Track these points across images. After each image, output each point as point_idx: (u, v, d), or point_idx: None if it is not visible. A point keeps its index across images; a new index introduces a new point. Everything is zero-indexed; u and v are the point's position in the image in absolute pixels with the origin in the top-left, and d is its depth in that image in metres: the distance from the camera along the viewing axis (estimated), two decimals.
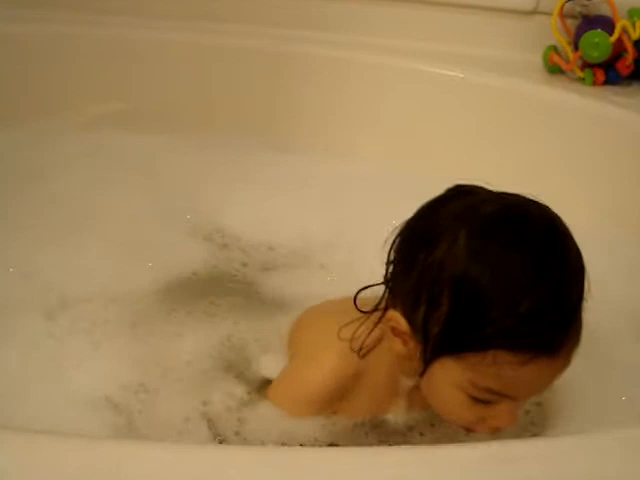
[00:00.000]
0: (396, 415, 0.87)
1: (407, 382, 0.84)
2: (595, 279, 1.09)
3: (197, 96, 1.53)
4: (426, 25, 1.52)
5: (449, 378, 0.75)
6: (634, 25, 1.37)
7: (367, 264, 1.15)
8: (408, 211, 1.23)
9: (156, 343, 1.00)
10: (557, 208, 1.28)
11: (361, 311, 0.83)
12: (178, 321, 1.05)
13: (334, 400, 0.85)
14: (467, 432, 0.81)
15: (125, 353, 0.98)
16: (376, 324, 0.82)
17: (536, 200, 0.76)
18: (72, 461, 0.60)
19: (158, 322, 1.05)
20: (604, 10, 1.41)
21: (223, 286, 1.15)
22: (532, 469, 0.61)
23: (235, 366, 0.97)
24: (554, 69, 1.45)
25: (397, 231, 0.80)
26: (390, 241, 0.80)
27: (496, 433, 0.79)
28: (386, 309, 0.81)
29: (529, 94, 1.42)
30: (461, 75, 1.44)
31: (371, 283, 0.84)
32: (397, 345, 0.79)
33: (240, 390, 0.92)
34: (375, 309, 0.82)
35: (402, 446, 0.82)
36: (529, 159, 1.39)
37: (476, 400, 0.75)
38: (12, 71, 1.50)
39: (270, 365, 0.95)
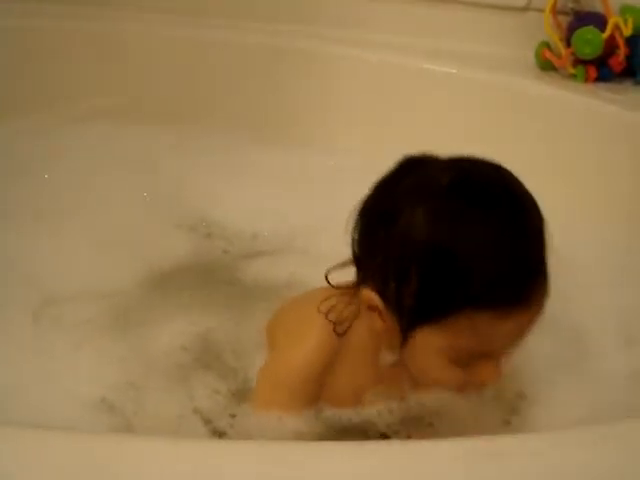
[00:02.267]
0: (376, 395, 0.87)
1: (388, 357, 0.84)
2: (585, 279, 1.10)
3: (190, 90, 1.53)
4: (419, 21, 1.52)
5: (429, 346, 0.76)
6: (626, 22, 1.37)
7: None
8: None
9: (139, 339, 1.00)
10: (548, 204, 1.29)
11: (332, 285, 0.85)
12: (159, 315, 1.05)
13: (319, 377, 0.85)
14: (456, 392, 0.82)
15: (111, 350, 0.97)
16: (351, 300, 0.83)
17: (490, 162, 0.77)
18: (67, 455, 0.60)
19: (141, 316, 1.04)
20: (596, 7, 1.41)
21: (205, 276, 1.15)
22: (521, 464, 0.62)
23: (218, 358, 0.97)
24: (546, 65, 1.45)
25: (355, 212, 0.81)
26: (351, 222, 0.81)
27: (483, 389, 0.81)
28: (359, 285, 0.82)
29: (521, 90, 1.42)
30: (453, 71, 1.44)
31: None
32: (375, 322, 0.80)
33: (225, 386, 0.92)
34: (349, 287, 0.84)
35: (390, 441, 0.82)
36: (520, 155, 1.37)
37: (458, 363, 0.76)
38: (7, 64, 1.50)
39: (251, 357, 0.95)
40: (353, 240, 0.81)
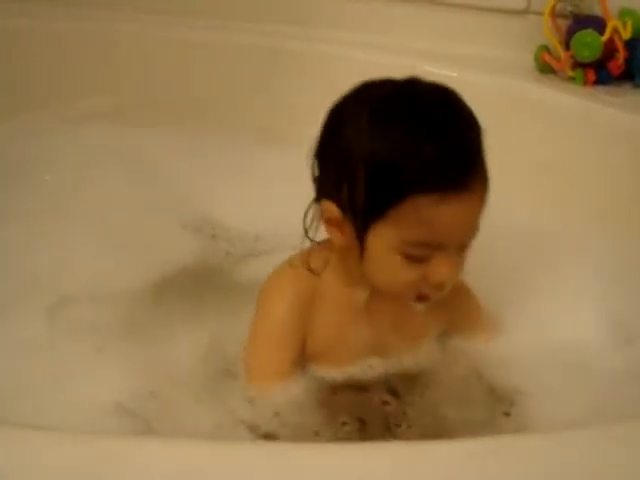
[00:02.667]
0: (358, 332, 0.92)
1: (362, 293, 0.91)
2: (585, 280, 1.10)
3: (188, 90, 1.54)
4: (418, 24, 1.52)
5: (383, 244, 0.82)
6: (625, 25, 1.38)
7: None
8: None
9: (152, 345, 0.99)
10: (546, 208, 1.30)
11: (307, 236, 0.90)
12: (170, 319, 1.05)
13: (299, 321, 0.91)
14: (419, 302, 0.87)
15: (126, 357, 0.96)
16: (319, 245, 0.91)
17: (426, 80, 0.84)
18: (70, 457, 0.60)
19: (152, 321, 1.04)
20: (595, 10, 1.42)
21: (210, 278, 1.15)
22: (524, 464, 0.62)
23: (232, 361, 0.96)
24: (545, 68, 1.46)
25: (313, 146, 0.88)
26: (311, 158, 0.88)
27: (442, 291, 0.85)
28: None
29: (520, 93, 1.42)
30: (453, 74, 1.44)
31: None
32: (336, 237, 0.87)
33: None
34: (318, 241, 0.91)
35: (390, 442, 0.82)
36: (519, 158, 1.39)
37: (412, 259, 0.82)
38: (3, 65, 1.50)
39: None
40: (313, 170, 0.88)
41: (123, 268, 1.14)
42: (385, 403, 0.91)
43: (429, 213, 0.78)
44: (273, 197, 1.23)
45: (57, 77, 1.53)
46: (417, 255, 0.81)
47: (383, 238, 0.81)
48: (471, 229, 0.83)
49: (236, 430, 0.86)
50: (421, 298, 0.86)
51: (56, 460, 0.60)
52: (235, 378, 0.93)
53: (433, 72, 1.44)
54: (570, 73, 1.42)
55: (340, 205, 0.84)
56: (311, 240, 0.90)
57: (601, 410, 0.88)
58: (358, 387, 0.93)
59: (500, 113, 1.41)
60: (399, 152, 0.78)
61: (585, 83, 1.41)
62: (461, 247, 0.84)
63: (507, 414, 0.91)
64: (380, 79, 0.85)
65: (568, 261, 1.13)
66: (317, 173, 0.88)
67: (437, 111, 0.80)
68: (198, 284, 1.13)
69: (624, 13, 1.39)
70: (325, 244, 0.91)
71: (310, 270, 0.90)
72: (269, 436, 0.85)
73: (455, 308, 0.97)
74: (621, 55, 1.39)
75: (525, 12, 1.48)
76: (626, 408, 0.87)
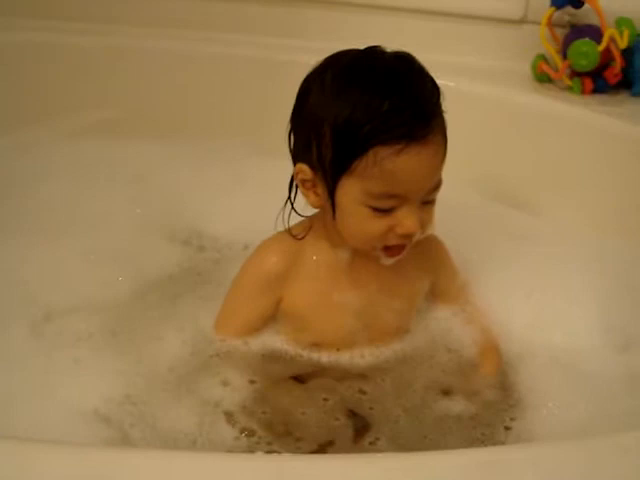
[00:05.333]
0: (342, 293, 0.96)
1: (343, 254, 0.96)
2: (576, 291, 1.10)
3: (182, 103, 1.54)
4: (415, 34, 1.52)
5: (351, 198, 0.87)
6: (622, 34, 1.38)
7: None
8: None
9: (135, 350, 0.99)
10: (543, 215, 1.30)
11: (293, 207, 0.95)
12: (155, 327, 1.05)
13: (277, 277, 0.96)
14: (387, 255, 0.91)
15: (106, 364, 0.96)
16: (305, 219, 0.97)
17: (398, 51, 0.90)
18: (64, 469, 0.60)
19: (137, 330, 1.04)
20: (592, 19, 1.42)
21: (196, 285, 1.16)
22: (524, 475, 0.61)
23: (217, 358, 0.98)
24: (543, 78, 1.46)
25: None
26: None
27: (409, 241, 0.89)
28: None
29: (518, 103, 1.42)
30: (450, 84, 1.44)
31: None
32: (311, 197, 0.93)
33: (237, 377, 0.95)
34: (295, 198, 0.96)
35: (393, 453, 0.82)
36: (517, 167, 1.39)
37: (378, 211, 0.87)
38: (1, 79, 1.50)
39: None
40: (289, 141, 0.93)
41: (114, 280, 1.14)
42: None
43: (390, 164, 0.83)
44: (263, 207, 1.24)
45: (53, 92, 1.54)
46: (382, 207, 0.86)
47: (350, 192, 0.87)
48: (431, 180, 0.87)
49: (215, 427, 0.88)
50: (388, 250, 0.90)
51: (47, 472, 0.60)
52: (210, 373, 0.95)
53: None
54: (567, 82, 1.42)
55: (311, 165, 0.89)
56: (298, 214, 0.96)
57: (600, 419, 0.88)
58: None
59: (498, 122, 1.42)
60: (360, 108, 0.84)
61: (582, 92, 1.41)
62: (425, 199, 0.88)
63: (507, 427, 0.91)
64: (344, 49, 0.91)
65: (567, 266, 1.13)
66: (292, 142, 0.93)
67: (395, 71, 0.86)
68: (183, 290, 1.14)
69: (620, 22, 1.40)
70: (311, 215, 0.97)
71: (292, 235, 0.96)
72: (246, 430, 0.88)
73: (434, 265, 1.02)
74: (618, 64, 1.39)
75: (522, 22, 1.49)
76: (626, 416, 0.87)
